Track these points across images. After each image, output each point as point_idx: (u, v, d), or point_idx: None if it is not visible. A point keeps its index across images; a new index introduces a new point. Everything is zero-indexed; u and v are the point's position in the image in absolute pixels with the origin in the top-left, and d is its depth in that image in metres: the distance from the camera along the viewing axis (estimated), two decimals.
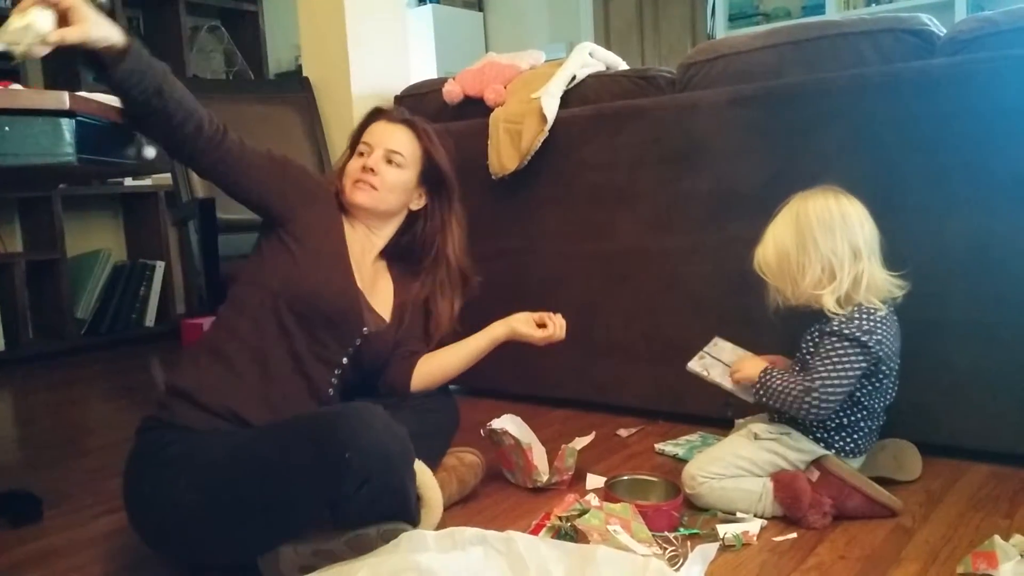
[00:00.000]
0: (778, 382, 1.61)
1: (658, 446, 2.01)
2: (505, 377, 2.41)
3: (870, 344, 1.55)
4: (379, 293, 1.70)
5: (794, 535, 1.50)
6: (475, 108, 2.46)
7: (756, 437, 1.64)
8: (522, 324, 1.78)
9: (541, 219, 2.37)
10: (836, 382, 1.55)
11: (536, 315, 1.80)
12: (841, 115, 1.87)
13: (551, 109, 2.25)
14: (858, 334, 1.55)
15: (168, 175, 3.02)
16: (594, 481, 1.79)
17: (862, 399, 1.61)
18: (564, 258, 2.35)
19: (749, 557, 1.43)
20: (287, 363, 1.52)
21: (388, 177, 1.67)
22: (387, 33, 2.87)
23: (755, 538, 1.49)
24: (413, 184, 1.72)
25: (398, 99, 2.75)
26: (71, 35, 1.23)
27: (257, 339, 1.51)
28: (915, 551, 1.42)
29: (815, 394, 1.55)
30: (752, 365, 1.69)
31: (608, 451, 2.01)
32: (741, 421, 1.78)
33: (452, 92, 2.51)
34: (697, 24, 4.90)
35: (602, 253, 2.28)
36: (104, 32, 1.28)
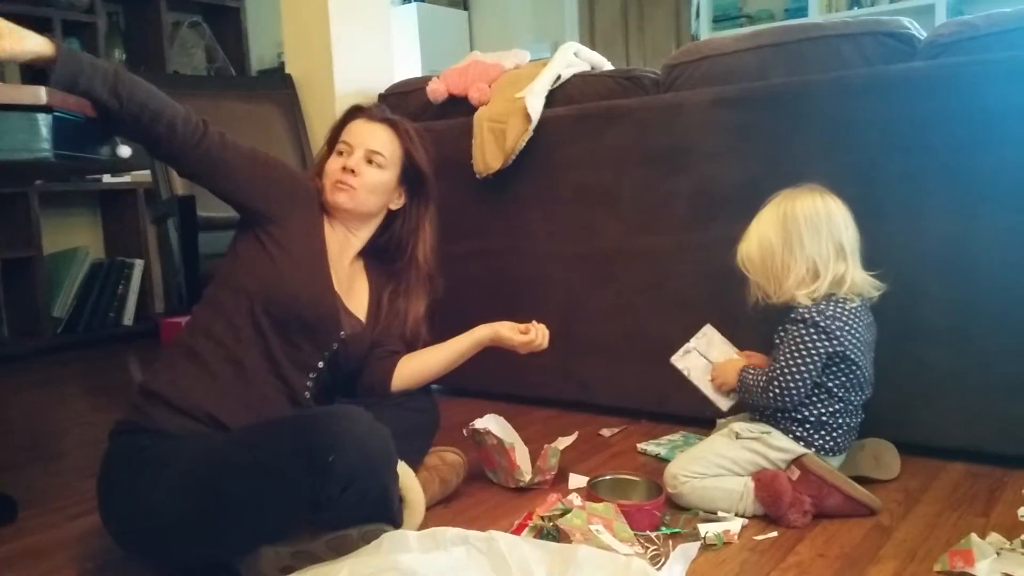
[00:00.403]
0: (751, 378, 1.66)
1: (640, 446, 2.01)
2: (488, 377, 2.40)
3: (830, 328, 1.57)
4: (355, 294, 1.69)
5: (774, 534, 1.51)
6: (459, 107, 2.46)
7: (737, 436, 1.65)
8: (506, 329, 1.76)
9: (525, 218, 2.37)
10: (796, 367, 1.58)
11: (519, 325, 1.78)
12: (823, 117, 1.88)
13: (536, 109, 2.25)
14: (818, 319, 1.57)
15: (148, 172, 2.99)
16: (577, 481, 1.79)
17: (835, 390, 1.61)
18: (548, 258, 2.35)
19: (730, 556, 1.44)
20: (263, 366, 1.51)
21: (368, 178, 1.64)
22: (371, 31, 2.85)
23: (736, 537, 1.49)
24: (393, 184, 1.69)
25: (382, 97, 2.74)
26: None
27: (232, 341, 1.49)
28: (893, 549, 1.43)
29: (776, 381, 1.59)
30: (731, 370, 1.71)
31: (591, 451, 2.01)
32: (722, 421, 1.79)
33: (436, 91, 2.50)
34: (681, 25, 4.92)
35: (586, 253, 2.28)
36: (27, 46, 1.26)
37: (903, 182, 1.80)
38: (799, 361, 1.58)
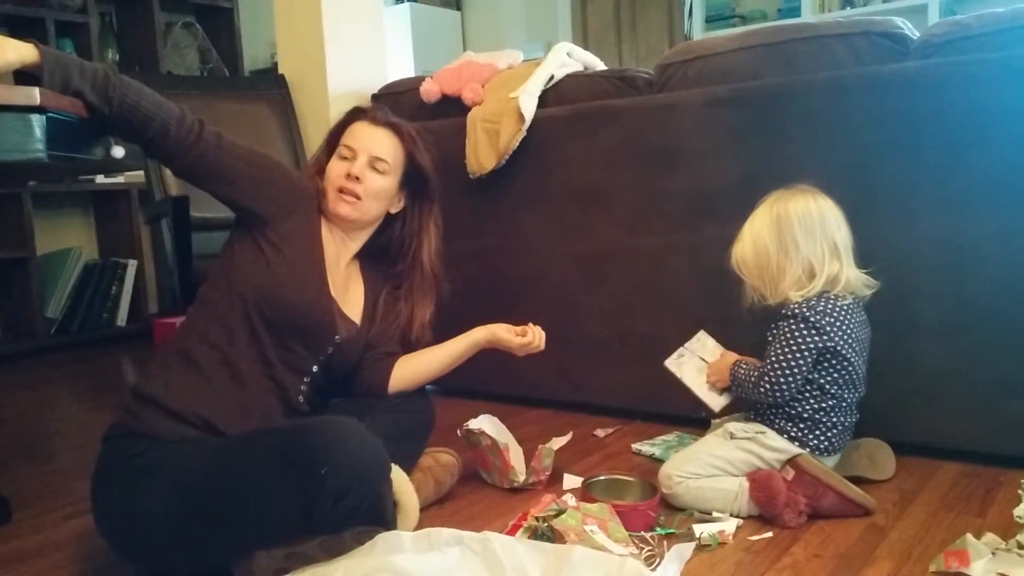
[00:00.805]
0: (743, 372, 1.68)
1: (635, 446, 2.01)
2: (482, 377, 2.40)
3: (820, 324, 1.57)
4: (351, 297, 1.68)
5: (769, 534, 1.51)
6: (453, 107, 2.45)
7: (732, 437, 1.65)
8: (503, 330, 1.76)
9: (518, 218, 2.37)
10: (787, 362, 1.59)
11: (518, 327, 1.78)
12: (816, 116, 1.88)
13: (529, 109, 2.24)
14: (808, 314, 1.58)
15: (141, 172, 2.98)
16: (571, 481, 1.79)
17: (827, 386, 1.62)
18: (541, 257, 2.35)
19: (725, 556, 1.44)
20: (257, 369, 1.50)
21: (372, 184, 1.62)
22: (364, 31, 2.85)
23: (731, 537, 1.49)
24: (395, 189, 1.68)
25: (375, 97, 2.74)
26: None
27: (227, 344, 1.48)
28: (888, 550, 1.43)
29: (768, 376, 1.60)
30: (724, 366, 1.72)
31: (585, 451, 2.01)
32: (717, 421, 1.79)
33: (430, 91, 2.50)
34: (674, 25, 4.92)
35: (579, 253, 2.28)
36: (9, 56, 1.26)
37: (896, 182, 1.80)
38: (789, 356, 1.59)
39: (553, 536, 1.41)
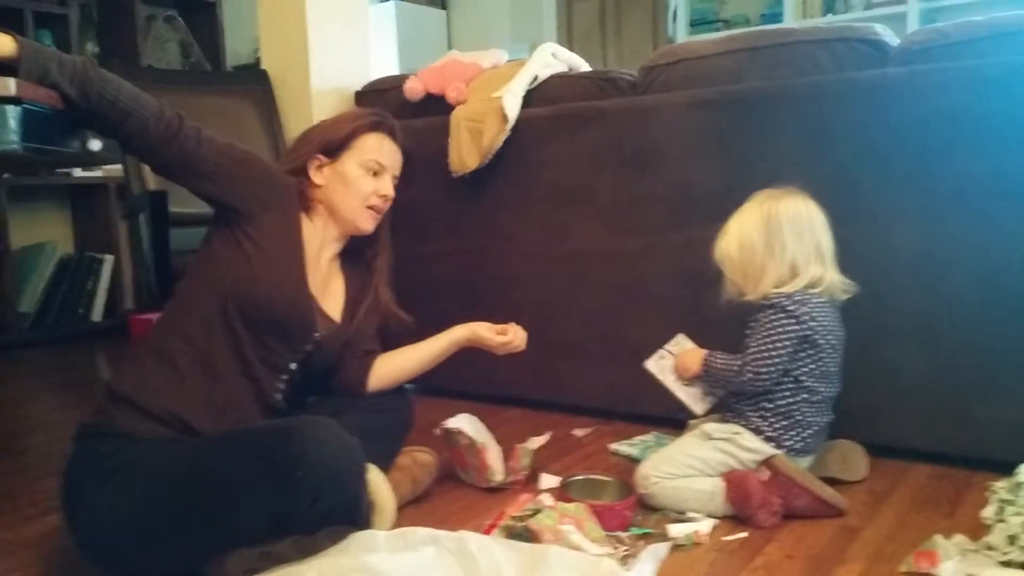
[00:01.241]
0: (720, 363, 1.69)
1: (612, 446, 2.02)
2: (461, 376, 2.40)
3: (798, 312, 1.60)
4: (331, 294, 1.67)
5: (744, 534, 1.52)
6: (436, 105, 2.45)
7: (708, 437, 1.66)
8: (483, 329, 1.76)
9: (501, 218, 2.37)
10: (768, 350, 1.61)
11: (498, 325, 1.78)
12: (797, 121, 1.90)
13: (513, 108, 2.25)
14: (786, 303, 1.61)
15: (119, 166, 2.96)
16: (548, 481, 1.79)
17: (803, 378, 1.63)
18: (523, 257, 2.35)
19: (699, 556, 1.44)
20: (234, 366, 1.48)
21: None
22: (349, 28, 2.84)
23: (706, 537, 1.50)
24: None
25: (359, 95, 2.73)
26: None
27: (203, 341, 1.46)
28: (860, 550, 1.44)
29: (750, 366, 1.62)
30: (695, 358, 1.73)
31: (563, 451, 2.01)
32: (694, 422, 1.80)
33: (414, 89, 2.50)
34: (659, 28, 4.95)
35: (561, 253, 2.28)
36: None
37: (875, 187, 1.82)
38: (770, 344, 1.61)
39: (529, 536, 1.41)
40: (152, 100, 1.42)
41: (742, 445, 1.63)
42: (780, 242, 1.63)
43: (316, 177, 1.63)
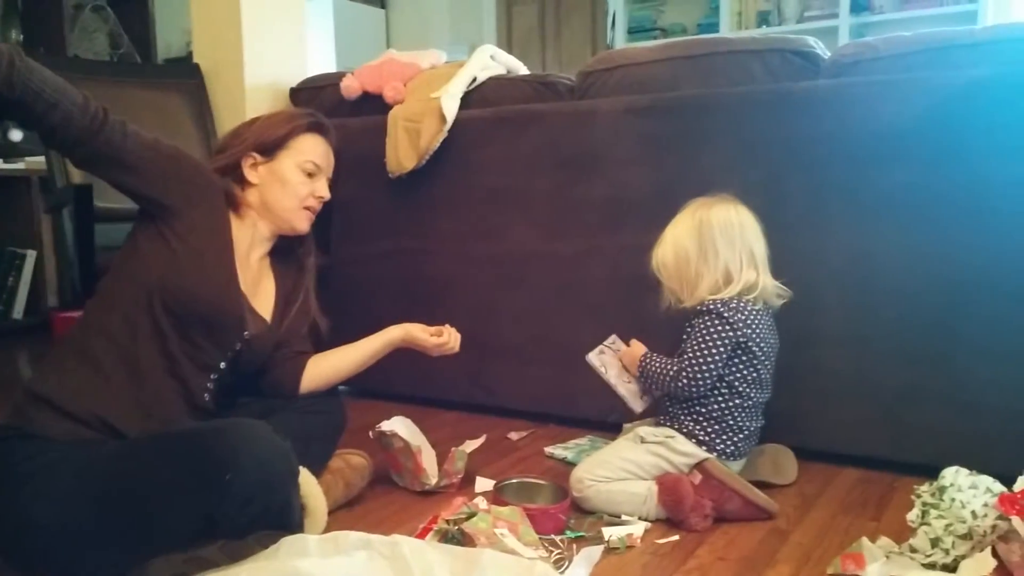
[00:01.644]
0: (656, 366, 1.70)
1: (548, 450, 2.02)
2: (396, 379, 2.37)
3: (733, 319, 1.62)
4: (262, 293, 1.64)
5: (676, 537, 1.53)
6: (373, 105, 2.43)
7: (642, 441, 1.67)
8: (418, 330, 1.75)
9: (437, 219, 2.35)
10: (703, 356, 1.63)
11: (432, 327, 1.78)
12: (730, 129, 1.93)
13: (451, 110, 2.23)
14: (722, 310, 1.63)
15: (42, 158, 2.86)
16: (483, 484, 1.78)
17: (736, 384, 1.65)
18: (459, 259, 2.34)
19: (632, 559, 1.45)
20: (160, 365, 1.43)
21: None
22: (284, 22, 2.79)
23: (639, 540, 1.51)
24: None
25: (294, 92, 2.69)
26: None
27: (128, 339, 1.41)
28: (789, 552, 1.47)
29: (685, 372, 1.63)
30: (632, 356, 1.75)
31: (498, 454, 2.01)
32: (628, 425, 1.81)
33: (350, 87, 2.46)
34: (597, 35, 4.99)
35: (497, 256, 2.28)
36: None
37: (806, 196, 1.86)
38: (705, 350, 1.62)
39: (463, 539, 1.40)
40: (77, 92, 1.37)
41: (675, 449, 1.64)
42: (713, 249, 1.65)
43: (250, 175, 1.60)
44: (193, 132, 2.70)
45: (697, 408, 1.67)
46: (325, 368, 1.71)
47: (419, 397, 2.42)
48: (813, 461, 1.87)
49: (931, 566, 1.34)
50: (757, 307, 1.67)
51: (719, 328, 1.62)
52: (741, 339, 1.63)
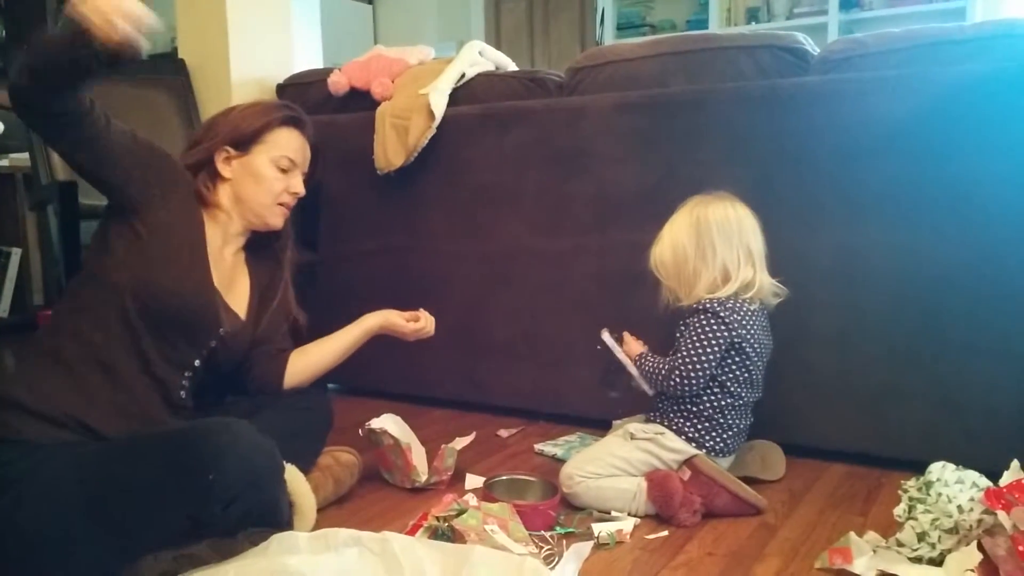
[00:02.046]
0: (650, 365, 1.69)
1: (537, 446, 2.02)
2: (385, 376, 2.37)
3: (729, 319, 1.62)
4: (237, 290, 1.62)
5: (665, 533, 1.54)
6: (361, 101, 2.42)
7: (632, 437, 1.67)
8: (394, 316, 1.76)
9: (426, 217, 2.35)
10: (697, 355, 1.62)
11: (406, 313, 1.78)
12: (720, 125, 1.93)
13: (439, 106, 2.23)
14: (718, 309, 1.63)
15: (26, 155, 2.83)
16: (473, 481, 1.78)
17: (728, 384, 1.66)
18: (448, 257, 2.33)
19: (622, 555, 1.45)
20: (134, 364, 1.41)
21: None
22: (271, 17, 2.77)
23: (628, 536, 1.51)
24: None
25: (281, 88, 2.67)
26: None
27: (100, 339, 1.38)
28: (777, 547, 1.47)
29: (678, 370, 1.63)
30: (631, 350, 1.75)
31: (488, 451, 2.01)
32: (618, 422, 1.81)
33: (338, 83, 2.45)
34: (586, 31, 4.99)
35: (486, 253, 2.27)
36: None
37: (795, 192, 1.86)
38: (700, 349, 1.62)
39: (453, 536, 1.40)
40: None
41: (664, 445, 1.64)
42: (711, 247, 1.65)
43: (223, 170, 1.57)
44: (179, 128, 2.68)
45: (688, 406, 1.67)
46: (308, 362, 1.70)
47: (409, 395, 2.42)
48: (801, 457, 1.88)
49: (918, 560, 1.34)
50: (753, 307, 1.67)
51: (714, 327, 1.62)
52: (735, 339, 1.63)
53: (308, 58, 2.96)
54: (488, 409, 2.33)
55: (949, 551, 1.33)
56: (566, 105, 2.15)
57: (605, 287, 2.10)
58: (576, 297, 2.15)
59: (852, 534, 1.40)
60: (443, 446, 1.76)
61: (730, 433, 1.68)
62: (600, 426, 1.98)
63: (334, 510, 1.64)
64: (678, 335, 1.70)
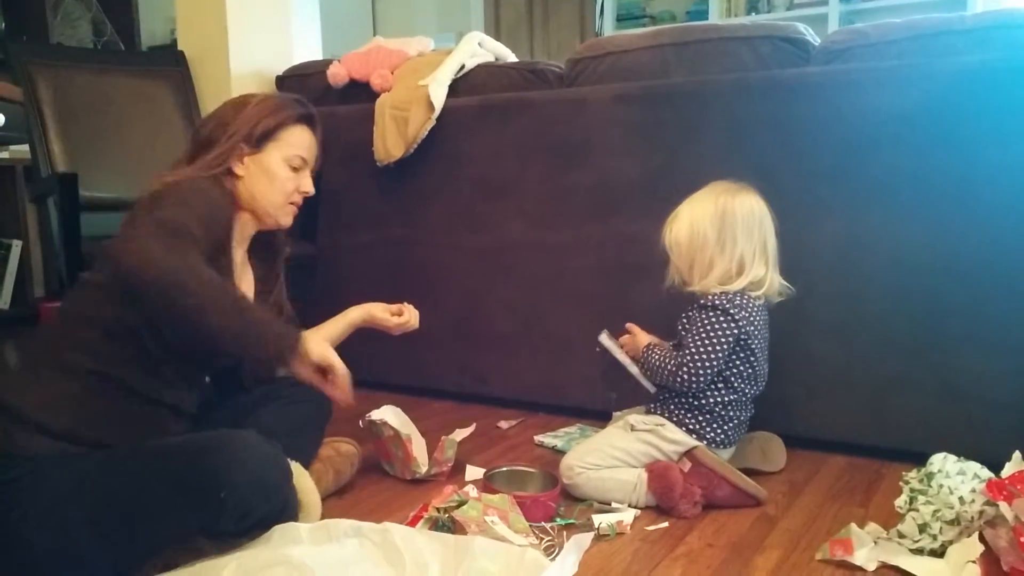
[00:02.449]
0: (656, 358, 1.68)
1: (537, 438, 2.02)
2: (386, 368, 2.37)
3: (737, 316, 1.61)
4: (243, 288, 1.58)
5: (665, 524, 1.54)
6: (360, 92, 2.41)
7: (632, 428, 1.67)
8: (378, 310, 1.76)
9: (426, 208, 2.35)
10: (705, 352, 1.61)
11: (392, 306, 1.77)
12: (720, 116, 1.92)
13: (439, 97, 2.22)
14: (727, 306, 1.62)
15: (26, 147, 2.82)
16: (473, 472, 1.78)
17: (733, 380, 1.66)
18: (448, 248, 2.33)
19: (622, 546, 1.46)
20: (144, 382, 1.35)
21: None
22: (270, 8, 2.76)
23: (628, 527, 1.51)
24: None
25: (280, 79, 2.67)
26: None
27: (109, 355, 1.32)
28: (778, 538, 1.47)
29: (687, 367, 1.62)
30: (636, 346, 1.74)
31: (488, 443, 2.01)
32: (618, 414, 1.81)
33: (337, 75, 2.45)
34: (586, 22, 4.96)
35: (486, 245, 2.27)
36: None
37: (796, 182, 1.86)
38: (708, 346, 1.61)
39: (454, 527, 1.40)
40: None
41: (665, 437, 1.64)
42: (732, 238, 1.63)
43: (236, 167, 1.52)
44: (178, 120, 2.67)
45: (690, 400, 1.67)
46: None
47: (409, 386, 2.42)
48: (801, 448, 1.88)
49: (919, 551, 1.35)
50: (759, 303, 1.66)
51: (723, 324, 1.61)
52: (742, 336, 1.63)
53: (307, 49, 2.95)
54: (488, 400, 2.33)
55: (950, 542, 1.33)
56: (566, 96, 2.14)
57: (605, 278, 2.09)
58: (576, 288, 2.15)
59: (853, 525, 1.40)
60: (443, 437, 1.76)
61: (731, 425, 1.67)
62: (600, 417, 1.98)
63: (335, 501, 1.65)
64: (681, 328, 1.69)
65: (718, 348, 1.61)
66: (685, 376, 1.62)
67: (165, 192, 1.37)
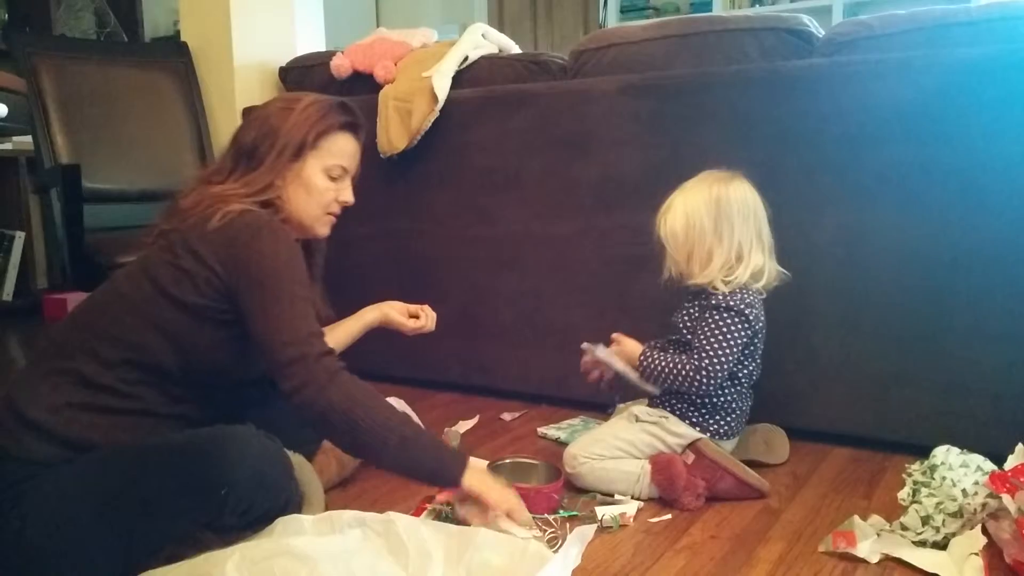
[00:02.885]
0: (663, 363, 1.65)
1: (541, 430, 2.02)
2: (390, 360, 2.37)
3: (750, 316, 1.61)
4: None
5: (669, 516, 1.54)
6: (364, 84, 2.41)
7: (636, 420, 1.67)
8: (394, 311, 1.74)
9: (429, 200, 2.34)
10: (723, 354, 1.60)
11: (410, 306, 1.77)
12: (724, 108, 1.92)
13: (443, 89, 2.22)
14: (742, 306, 1.61)
15: (29, 138, 2.82)
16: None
17: (740, 376, 1.66)
18: (451, 241, 2.33)
19: (625, 538, 1.46)
20: (162, 403, 1.33)
21: None
22: (272, 0, 2.76)
23: (632, 519, 1.52)
24: None
25: (283, 71, 2.66)
26: None
27: (130, 377, 1.30)
28: (781, 531, 1.48)
29: (704, 371, 1.59)
30: (630, 350, 1.73)
31: (491, 435, 2.01)
32: (622, 405, 1.82)
33: (340, 66, 2.44)
34: (590, 14, 4.95)
35: (490, 236, 2.27)
36: None
37: (799, 175, 1.85)
38: (724, 348, 1.60)
39: (457, 519, 1.40)
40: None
41: (669, 429, 1.65)
42: (729, 227, 1.61)
43: (276, 179, 1.45)
44: (181, 111, 2.68)
45: (693, 398, 1.67)
46: None
47: (413, 378, 2.42)
48: (804, 441, 1.88)
49: (922, 544, 1.35)
50: (761, 296, 1.66)
51: (739, 325, 1.60)
52: (753, 334, 1.63)
53: (310, 41, 2.95)
54: (491, 392, 2.33)
55: (953, 535, 1.33)
56: (570, 88, 2.14)
57: (609, 270, 2.09)
58: (580, 280, 2.15)
59: (856, 517, 1.41)
60: (447, 429, 1.77)
61: (733, 416, 1.68)
62: (603, 410, 1.98)
63: (338, 492, 1.65)
64: (681, 325, 1.69)
65: (734, 349, 1.60)
66: (704, 380, 1.60)
67: (257, 248, 1.33)
